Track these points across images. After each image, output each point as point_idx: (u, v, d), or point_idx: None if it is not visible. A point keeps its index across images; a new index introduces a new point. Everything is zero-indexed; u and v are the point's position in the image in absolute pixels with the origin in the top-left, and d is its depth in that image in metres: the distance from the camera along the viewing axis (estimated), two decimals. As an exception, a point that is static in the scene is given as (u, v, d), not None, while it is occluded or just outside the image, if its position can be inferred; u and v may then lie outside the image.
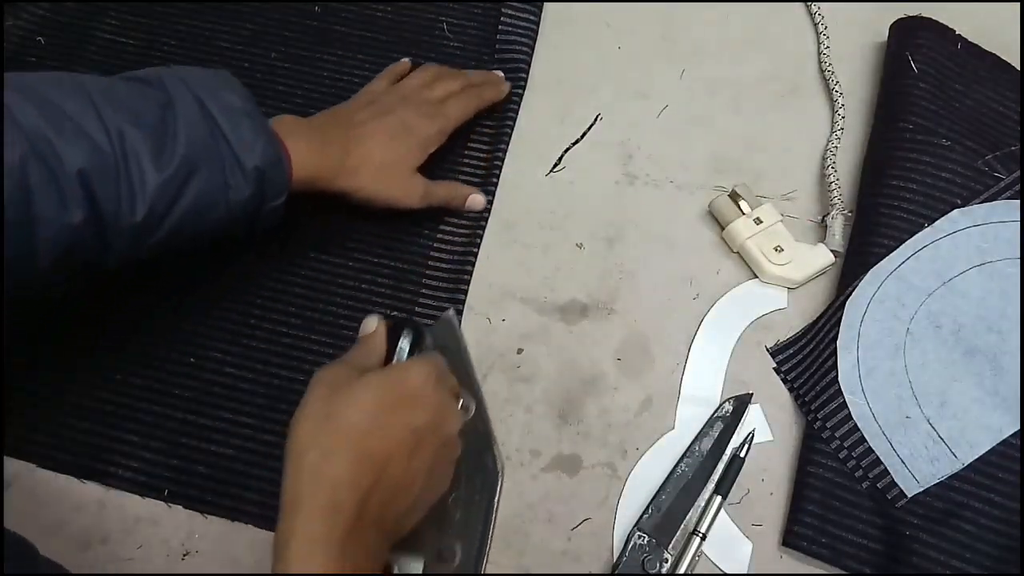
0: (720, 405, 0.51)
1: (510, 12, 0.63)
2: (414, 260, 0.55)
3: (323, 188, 0.50)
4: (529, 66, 0.62)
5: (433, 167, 0.58)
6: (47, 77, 0.41)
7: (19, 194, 0.36)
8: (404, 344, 0.42)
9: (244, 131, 0.43)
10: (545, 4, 0.64)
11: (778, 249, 0.53)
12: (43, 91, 0.39)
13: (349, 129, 0.51)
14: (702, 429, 0.50)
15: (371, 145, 0.51)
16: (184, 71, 0.44)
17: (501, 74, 0.59)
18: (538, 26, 0.63)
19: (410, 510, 0.38)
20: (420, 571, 0.41)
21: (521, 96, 0.60)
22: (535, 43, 0.62)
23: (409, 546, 0.41)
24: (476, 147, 0.59)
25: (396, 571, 0.40)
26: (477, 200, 0.56)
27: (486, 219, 0.56)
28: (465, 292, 0.54)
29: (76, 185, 0.38)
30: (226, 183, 0.43)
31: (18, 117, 0.37)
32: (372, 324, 0.42)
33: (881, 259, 0.52)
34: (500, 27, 0.62)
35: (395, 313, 0.53)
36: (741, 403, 0.51)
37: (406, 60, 0.59)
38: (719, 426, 0.50)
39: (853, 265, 0.53)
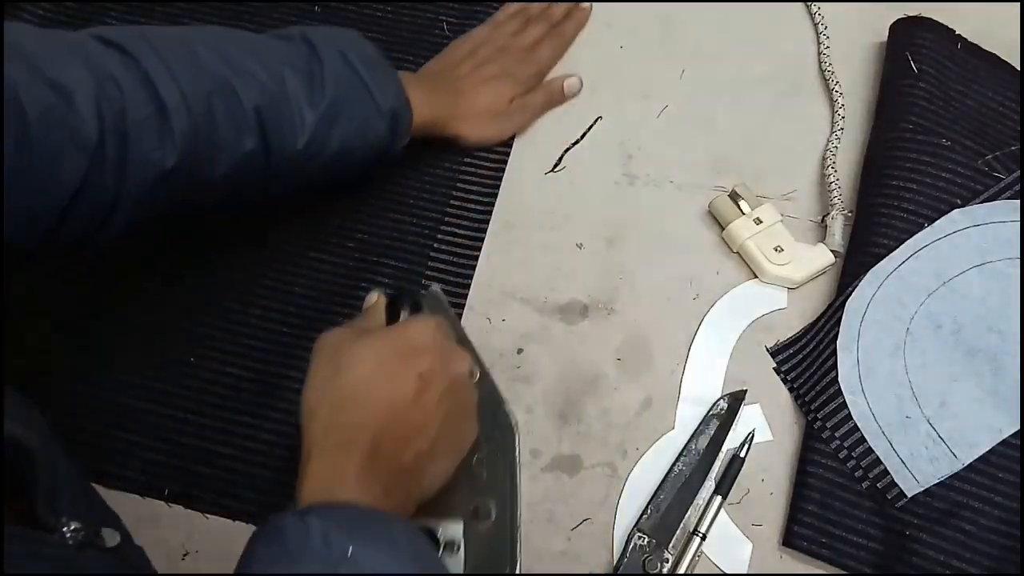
0: (715, 403, 0.51)
1: None
2: (414, 260, 0.55)
3: (437, 132, 0.56)
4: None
5: (434, 166, 0.58)
6: (219, 31, 0.47)
7: (206, 124, 0.43)
8: (404, 314, 0.44)
9: (379, 77, 0.49)
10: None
11: (778, 249, 0.53)
12: (219, 42, 0.45)
13: (455, 81, 0.57)
14: (698, 427, 0.50)
15: (475, 94, 0.56)
16: (322, 30, 0.50)
17: (586, 3, 0.63)
18: None
19: (433, 453, 0.38)
20: (461, 532, 0.42)
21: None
22: None
23: (445, 511, 0.42)
24: (479, 148, 0.59)
25: (440, 536, 0.42)
26: (572, 84, 0.59)
27: (487, 219, 0.56)
28: (465, 292, 0.54)
29: (252, 119, 0.44)
30: (367, 121, 0.49)
31: (204, 61, 0.43)
32: (373, 297, 0.45)
33: (881, 259, 0.52)
34: None
35: (392, 285, 0.54)
36: (736, 400, 0.51)
37: (511, 5, 0.62)
38: (715, 424, 0.50)
39: (853, 265, 0.53)
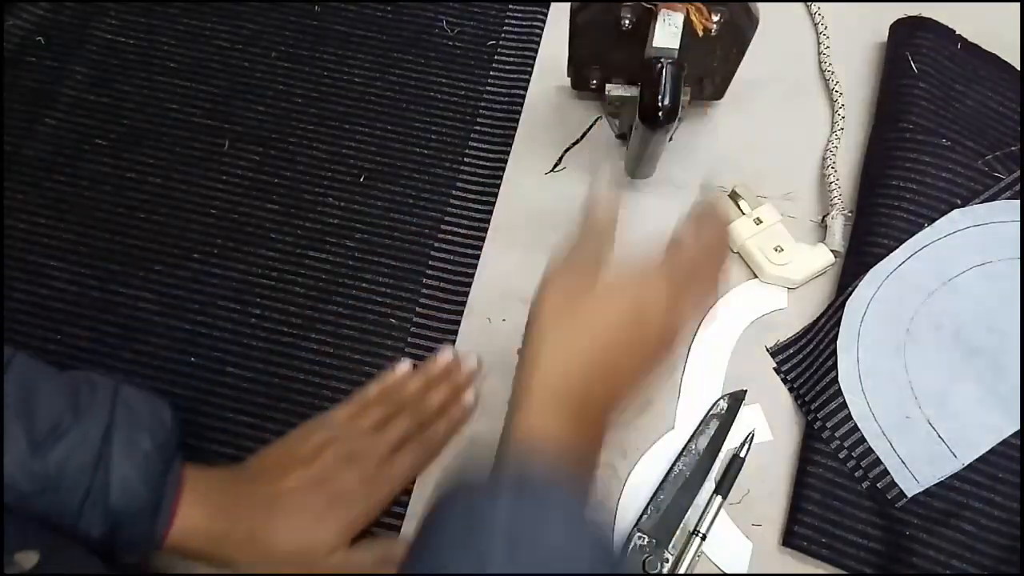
0: (715, 403, 0.51)
1: (518, 14, 0.63)
2: (414, 260, 0.55)
3: (217, 559, 0.42)
4: (533, 66, 0.62)
5: (434, 166, 0.58)
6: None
7: None
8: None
9: (128, 469, 0.39)
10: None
11: (778, 249, 0.53)
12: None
13: (271, 498, 0.43)
14: (697, 427, 0.50)
15: (287, 525, 0.43)
16: (132, 396, 0.42)
17: (473, 363, 0.51)
18: (544, 27, 0.63)
19: (622, 400, 0.38)
20: None
21: (524, 96, 0.60)
22: (540, 43, 0.62)
23: None
24: (477, 147, 0.59)
25: None
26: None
27: (487, 219, 0.56)
28: (466, 292, 0.54)
29: None
30: (80, 511, 0.38)
31: None
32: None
33: (881, 259, 0.52)
34: (505, 27, 0.62)
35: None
36: (736, 400, 0.51)
37: (401, 369, 0.51)
38: (715, 423, 0.50)
39: (853, 265, 0.53)
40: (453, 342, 0.53)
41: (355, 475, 0.45)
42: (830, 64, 0.61)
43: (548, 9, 0.63)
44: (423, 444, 0.48)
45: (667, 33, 0.45)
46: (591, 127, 0.60)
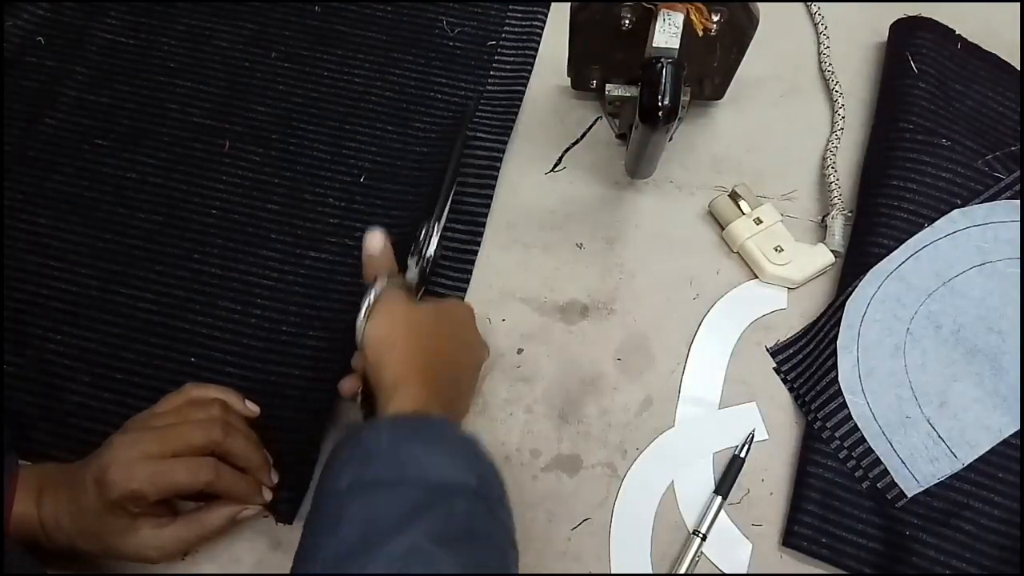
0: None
1: (518, 14, 0.63)
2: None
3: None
4: (533, 66, 0.62)
5: (433, 165, 0.58)
6: None
7: None
8: (411, 261, 0.49)
9: None
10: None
11: (778, 249, 0.53)
12: None
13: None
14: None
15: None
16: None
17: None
18: (544, 27, 0.63)
19: (458, 379, 0.46)
20: None
21: (523, 96, 0.60)
22: (540, 43, 0.62)
23: None
24: (477, 146, 0.59)
25: None
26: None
27: (484, 217, 0.56)
28: (465, 292, 0.54)
29: None
30: None
31: None
32: (377, 238, 0.47)
33: (881, 259, 0.52)
34: (505, 27, 0.62)
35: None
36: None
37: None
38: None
39: (853, 265, 0.53)
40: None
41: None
42: (830, 64, 0.61)
43: (548, 9, 0.63)
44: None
45: (667, 33, 0.45)
46: (591, 127, 0.60)
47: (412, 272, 0.49)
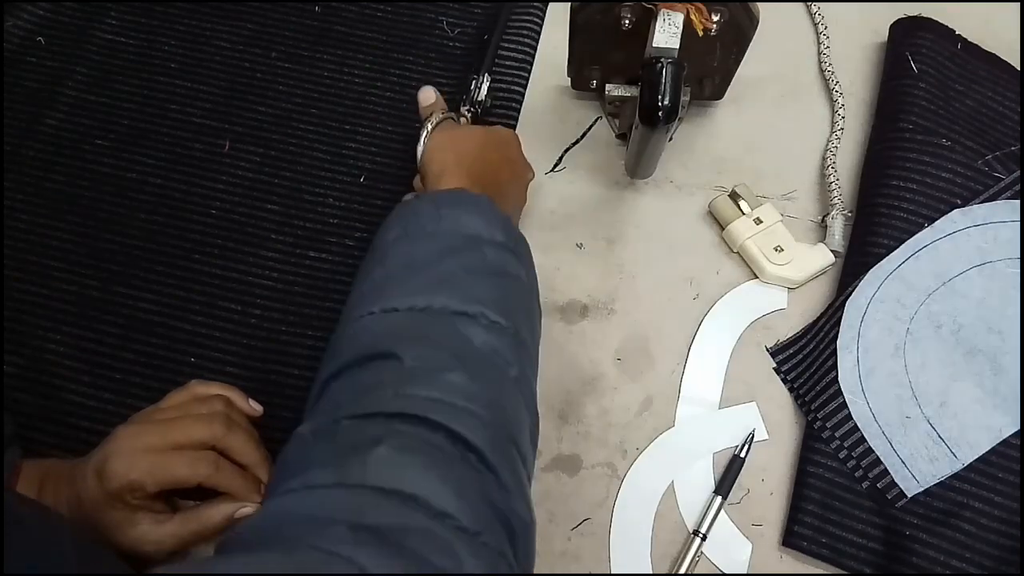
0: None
1: (516, 13, 0.63)
2: (414, 260, 0.55)
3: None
4: (532, 66, 0.62)
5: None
6: None
7: None
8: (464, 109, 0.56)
9: None
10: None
11: (778, 249, 0.53)
12: None
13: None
14: None
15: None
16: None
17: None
18: (542, 26, 0.63)
19: (502, 185, 0.49)
20: None
21: (523, 96, 0.60)
22: (538, 43, 0.62)
23: None
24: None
25: None
26: None
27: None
28: (465, 292, 0.54)
29: None
30: None
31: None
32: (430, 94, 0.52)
33: (881, 259, 0.52)
34: (506, 27, 0.62)
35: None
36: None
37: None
38: None
39: (853, 265, 0.53)
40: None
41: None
42: (830, 64, 0.61)
43: (546, 9, 0.63)
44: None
45: (667, 33, 0.45)
46: (591, 127, 0.60)
47: (465, 118, 0.55)
